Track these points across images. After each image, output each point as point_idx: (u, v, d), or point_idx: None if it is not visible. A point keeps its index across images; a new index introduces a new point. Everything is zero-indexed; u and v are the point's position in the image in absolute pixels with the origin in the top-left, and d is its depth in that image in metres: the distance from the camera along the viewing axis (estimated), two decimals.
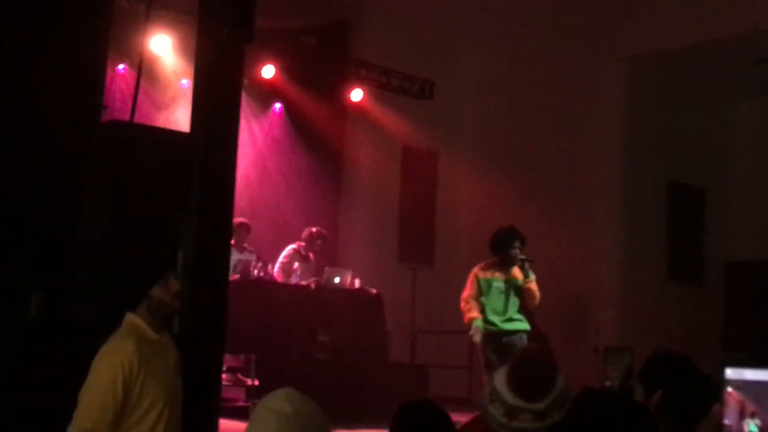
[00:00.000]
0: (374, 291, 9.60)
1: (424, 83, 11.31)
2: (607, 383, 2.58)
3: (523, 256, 7.37)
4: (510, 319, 7.34)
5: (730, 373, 1.28)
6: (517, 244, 7.32)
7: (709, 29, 10.23)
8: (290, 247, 9.49)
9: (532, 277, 7.38)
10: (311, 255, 9.61)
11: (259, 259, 9.06)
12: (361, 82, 11.01)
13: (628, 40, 10.92)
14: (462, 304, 7.43)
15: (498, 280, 7.35)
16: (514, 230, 7.39)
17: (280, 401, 2.22)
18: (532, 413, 2.23)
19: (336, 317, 8.96)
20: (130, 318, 3.62)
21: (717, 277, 11.71)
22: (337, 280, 9.23)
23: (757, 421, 1.23)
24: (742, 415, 1.24)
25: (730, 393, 1.27)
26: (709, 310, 11.01)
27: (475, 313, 7.30)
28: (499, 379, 2.31)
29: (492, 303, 7.33)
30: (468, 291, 7.41)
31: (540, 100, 11.46)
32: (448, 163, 12.02)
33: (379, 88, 11.15)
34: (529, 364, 2.32)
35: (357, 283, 9.49)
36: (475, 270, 7.48)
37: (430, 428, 2.78)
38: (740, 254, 11.76)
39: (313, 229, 9.60)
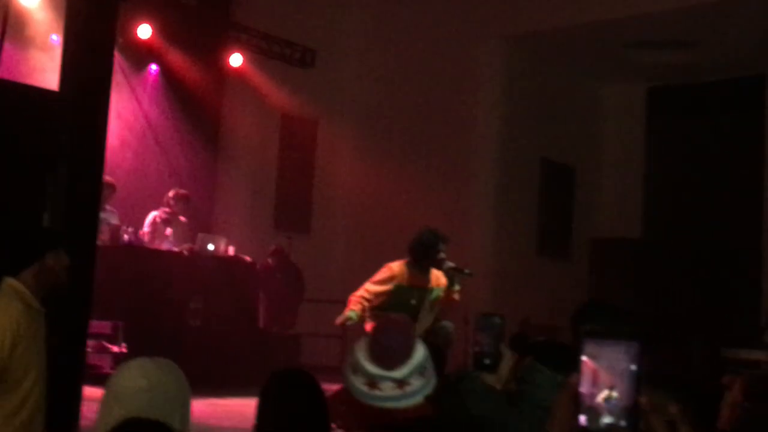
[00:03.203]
0: (248, 259, 9.53)
1: (305, 51, 11.23)
2: (476, 349, 2.65)
3: (452, 264, 6.72)
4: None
5: (587, 343, 1.37)
6: (442, 247, 6.67)
7: (584, 11, 10.52)
8: (151, 216, 9.14)
9: (458, 287, 6.77)
10: (182, 217, 9.34)
11: (122, 221, 8.78)
12: (241, 47, 10.83)
13: (504, 18, 11.12)
14: (353, 298, 6.54)
15: (416, 289, 6.66)
16: (437, 233, 6.72)
17: (133, 375, 2.16)
18: (393, 381, 2.29)
19: (209, 284, 8.85)
20: (11, 282, 3.48)
21: (582, 253, 12.21)
22: (210, 247, 9.10)
23: (614, 393, 1.32)
24: (595, 384, 1.33)
25: (585, 362, 1.35)
26: (575, 284, 11.45)
27: (356, 308, 6.46)
28: (360, 349, 2.36)
29: (404, 310, 6.25)
30: (373, 288, 6.54)
31: (420, 73, 11.58)
32: (327, 132, 12.02)
33: (259, 54, 11.00)
34: (387, 333, 2.39)
35: (231, 250, 9.38)
36: (395, 271, 6.62)
37: (299, 397, 2.80)
38: (604, 231, 12.29)
39: (170, 193, 9.29)
